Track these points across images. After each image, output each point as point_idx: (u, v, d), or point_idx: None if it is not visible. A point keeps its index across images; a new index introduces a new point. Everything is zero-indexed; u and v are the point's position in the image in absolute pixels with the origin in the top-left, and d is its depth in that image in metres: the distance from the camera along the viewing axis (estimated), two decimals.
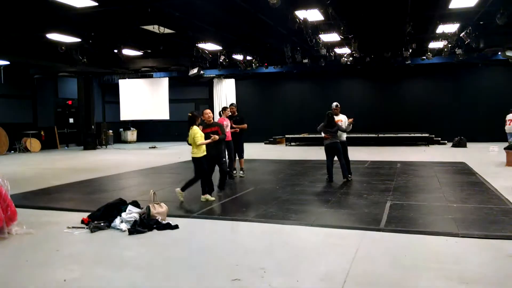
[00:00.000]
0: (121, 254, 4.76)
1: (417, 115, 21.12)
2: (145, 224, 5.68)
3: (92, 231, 5.61)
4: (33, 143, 20.18)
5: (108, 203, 6.16)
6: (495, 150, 14.95)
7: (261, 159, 14.91)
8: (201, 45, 14.47)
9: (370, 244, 5.00)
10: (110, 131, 24.75)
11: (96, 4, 9.08)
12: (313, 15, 10.51)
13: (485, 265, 4.24)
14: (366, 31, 13.64)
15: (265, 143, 22.88)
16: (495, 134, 19.27)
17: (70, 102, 23.18)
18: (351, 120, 9.54)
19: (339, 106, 9.75)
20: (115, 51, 13.98)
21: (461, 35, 12.54)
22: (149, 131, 26.47)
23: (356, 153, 15.40)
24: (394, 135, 19.89)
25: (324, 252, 4.73)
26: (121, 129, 26.73)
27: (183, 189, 7.60)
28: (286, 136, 21.90)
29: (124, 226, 5.64)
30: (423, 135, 19.46)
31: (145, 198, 6.93)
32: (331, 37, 13.43)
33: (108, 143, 23.72)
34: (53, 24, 11.27)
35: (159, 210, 6.01)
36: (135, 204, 6.16)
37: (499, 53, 15.90)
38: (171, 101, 22.79)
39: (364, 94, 22.42)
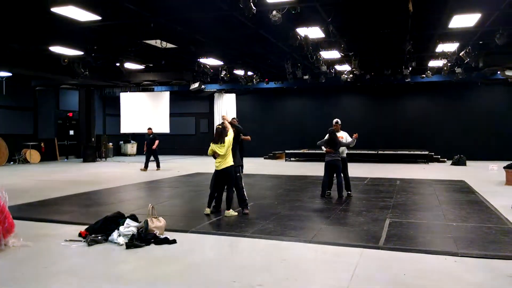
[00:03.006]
0: (118, 268, 4.73)
1: (417, 132, 21.19)
2: (143, 238, 5.65)
3: (89, 245, 5.58)
4: (33, 155, 20.20)
5: (106, 216, 6.14)
6: (495, 169, 14.94)
7: (260, 174, 14.89)
8: (202, 60, 14.58)
9: (368, 262, 4.97)
10: (110, 143, 24.78)
11: (100, 18, 9.17)
12: (314, 32, 10.63)
13: (483, 286, 4.21)
14: (367, 49, 13.78)
15: (265, 158, 22.90)
16: (494, 152, 19.33)
17: (71, 114, 23.26)
18: (356, 135, 9.54)
19: (339, 122, 9.80)
20: (117, 64, 14.07)
21: (460, 54, 12.65)
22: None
23: (356, 170, 15.41)
24: (394, 152, 19.90)
25: (322, 269, 4.70)
26: (121, 142, 26.77)
27: (228, 207, 7.58)
28: (286, 151, 21.92)
29: (122, 240, 5.61)
30: (423, 152, 19.47)
31: (143, 212, 6.92)
32: (332, 54, 13.55)
33: (108, 155, 23.73)
34: (57, 37, 11.39)
35: (157, 224, 5.98)
36: (133, 218, 6.14)
37: (498, 72, 16.01)
38: (171, 114, 22.87)
39: (364, 111, 22.52)
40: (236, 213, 7.49)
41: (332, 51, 13.04)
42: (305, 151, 21.15)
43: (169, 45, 12.07)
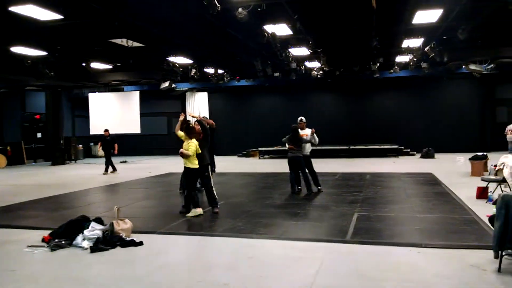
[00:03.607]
0: (81, 273, 4.61)
1: (387, 127, 21.54)
2: (108, 241, 5.54)
3: (52, 250, 5.43)
4: None
5: (70, 220, 5.98)
6: (461, 161, 15.35)
7: (233, 172, 14.86)
8: (171, 59, 14.42)
9: (335, 256, 5.01)
10: (80, 145, 24.24)
11: (61, 17, 8.91)
12: (281, 29, 10.64)
13: (446, 276, 4.30)
14: (334, 46, 13.90)
15: (239, 156, 22.85)
16: (461, 145, 19.86)
17: (38, 117, 22.62)
18: (313, 130, 9.62)
19: (304, 120, 9.87)
20: (83, 64, 13.76)
21: (425, 50, 12.92)
22: (121, 145, 25.99)
23: (327, 165, 15.58)
24: (365, 147, 20.19)
25: (289, 266, 4.71)
26: (91, 144, 26.21)
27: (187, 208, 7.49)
28: (259, 149, 21.94)
29: (86, 244, 5.48)
30: (393, 146, 19.83)
31: (112, 214, 6.77)
32: (301, 51, 13.63)
33: (77, 158, 23.21)
34: (18, 37, 11.02)
35: (123, 226, 5.87)
36: (99, 220, 6.01)
37: (463, 66, 16.43)
38: (143, 114, 22.55)
39: (336, 107, 22.76)
40: (199, 212, 7.35)
41: (301, 48, 13.11)
42: (278, 148, 21.17)
43: (136, 44, 11.86)
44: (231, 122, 24.10)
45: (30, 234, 6.32)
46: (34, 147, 22.47)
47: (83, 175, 15.56)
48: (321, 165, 15.34)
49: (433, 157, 18.33)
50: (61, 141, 21.31)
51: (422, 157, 18.62)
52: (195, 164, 7.42)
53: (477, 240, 5.40)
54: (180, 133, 7.64)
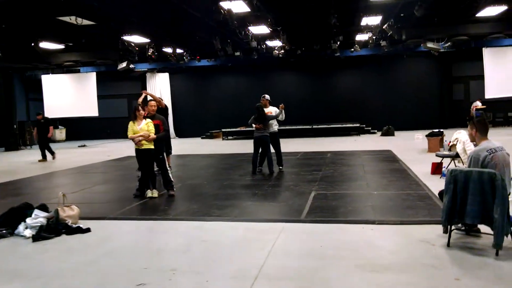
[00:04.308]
0: (19, 265, 4.33)
1: (349, 105, 21.74)
2: (53, 229, 5.25)
3: None
4: None
5: (11, 208, 5.63)
6: (420, 138, 15.66)
7: (194, 154, 14.62)
8: (126, 37, 13.86)
9: (289, 236, 4.94)
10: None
11: None
12: (238, 6, 10.35)
13: (397, 252, 4.30)
14: (293, 23, 13.73)
15: (202, 138, 22.56)
16: (420, 122, 20.30)
17: None
18: (282, 106, 9.47)
19: (267, 97, 9.71)
20: (32, 44, 13.02)
21: (383, 27, 12.95)
22: (79, 129, 25.22)
23: (290, 145, 15.57)
24: (328, 126, 20.33)
25: (241, 248, 4.60)
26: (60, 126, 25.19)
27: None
28: (223, 130, 21.71)
29: (29, 233, 5.18)
30: (355, 125, 20.06)
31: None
32: (260, 29, 13.38)
33: (33, 143, 22.26)
34: None
35: (69, 213, 5.58)
36: (43, 207, 5.70)
37: (421, 45, 16.64)
38: (101, 97, 21.81)
39: (298, 86, 22.72)
40: (155, 194, 7.20)
41: (260, 26, 12.86)
42: (242, 129, 21.00)
43: (86, 22, 11.27)
44: (194, 104, 23.73)
45: None
46: None
47: (36, 161, 14.89)
48: (284, 145, 15.12)
49: (393, 134, 18.67)
50: (14, 126, 20.34)
51: (382, 135, 18.93)
52: (151, 144, 7.17)
53: (429, 216, 5.45)
54: (134, 130, 7.23)
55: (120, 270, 4.06)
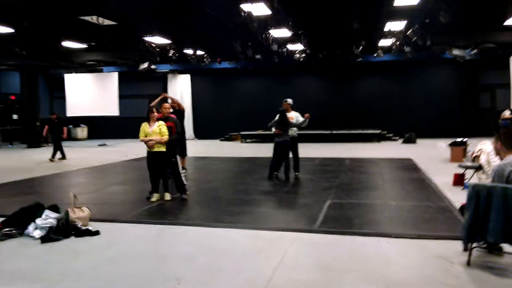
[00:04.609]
0: (23, 265, 4.28)
1: (370, 111, 21.35)
2: (62, 230, 5.21)
3: (0, 240, 5.08)
4: None
5: (22, 208, 5.62)
6: (442, 146, 15.22)
7: (212, 157, 14.54)
8: (148, 38, 13.89)
9: (300, 247, 4.77)
10: None
11: None
12: (259, 8, 10.21)
13: (413, 268, 4.09)
14: (315, 27, 13.51)
15: (221, 140, 22.51)
16: (443, 130, 19.78)
17: (13, 97, 21.91)
18: (307, 115, 9.27)
19: (289, 102, 9.50)
20: (55, 43, 13.18)
21: (408, 33, 12.62)
22: (101, 128, 25.49)
23: (308, 150, 15.31)
24: (348, 132, 20.00)
25: (249, 258, 4.45)
26: (71, 126, 25.57)
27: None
28: (241, 132, 21.62)
29: (38, 233, 5.15)
30: (376, 131, 19.67)
31: (80, 199, 6.41)
32: (282, 32, 13.22)
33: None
34: None
35: (79, 214, 5.53)
36: (54, 208, 5.66)
37: (447, 51, 16.20)
38: (123, 97, 21.97)
39: (319, 91, 22.44)
40: (168, 197, 7.13)
41: (281, 29, 12.70)
42: (260, 132, 20.87)
43: (108, 22, 11.31)
44: (214, 105, 23.71)
45: None
46: (10, 128, 21.80)
47: (55, 159, 15.05)
48: (302, 150, 14.91)
49: (414, 142, 18.23)
50: (37, 123, 20.68)
51: (404, 142, 18.51)
52: (163, 147, 7.11)
53: (449, 230, 5.19)
54: (146, 131, 7.18)
55: (124, 277, 3.96)
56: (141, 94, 25.03)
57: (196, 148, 18.54)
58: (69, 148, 19.75)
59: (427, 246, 4.68)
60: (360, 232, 5.22)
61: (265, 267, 4.13)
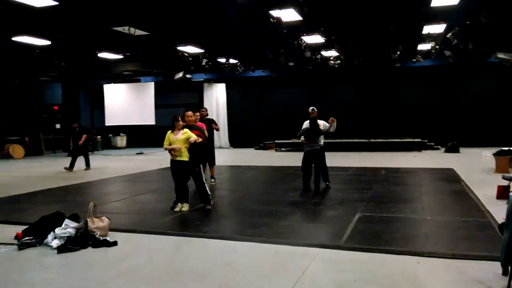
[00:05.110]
0: (33, 277, 4.21)
1: (410, 119, 20.52)
2: (79, 240, 5.14)
3: (20, 249, 5.08)
4: (16, 150, 19.72)
5: (43, 216, 5.63)
6: (487, 156, 14.33)
7: (244, 166, 14.36)
8: (181, 48, 13.97)
9: (322, 265, 4.45)
10: (99, 136, 24.27)
11: (57, 3, 8.57)
12: (288, 14, 9.98)
13: None
14: (348, 32, 13.10)
15: (255, 149, 22.34)
16: (489, 139, 18.71)
17: (56, 108, 22.71)
18: (332, 119, 8.97)
19: (315, 110, 9.26)
20: (91, 54, 13.50)
21: (447, 36, 11.98)
22: (139, 137, 25.99)
23: (343, 159, 14.89)
24: (386, 141, 19.29)
25: (265, 276, 4.17)
26: (111, 135, 26.24)
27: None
28: (276, 141, 21.37)
29: (56, 243, 5.10)
30: (416, 140, 18.87)
31: (110, 207, 6.43)
32: (314, 39, 12.93)
33: (95, 149, 23.25)
34: (18, 26, 10.77)
35: (98, 224, 5.46)
36: (74, 217, 5.63)
37: (491, 55, 15.31)
38: (159, 106, 22.31)
39: (355, 98, 21.84)
40: (186, 208, 7.02)
41: (314, 35, 12.41)
42: (295, 141, 20.53)
43: (139, 32, 11.44)
44: (249, 114, 23.60)
45: (9, 229, 5.99)
46: (53, 137, 22.58)
47: (94, 167, 15.34)
48: (337, 159, 14.70)
49: (458, 151, 17.30)
50: (93, 131, 21.28)
51: (446, 151, 17.62)
52: (186, 157, 6.99)
53: (488, 250, 4.71)
54: (170, 139, 7.10)
55: None
56: (177, 103, 25.31)
57: (230, 156, 18.48)
58: (107, 156, 20.28)
59: (463, 267, 4.24)
60: (388, 249, 4.83)
61: (282, 286, 3.85)
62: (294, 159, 16.00)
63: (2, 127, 19.90)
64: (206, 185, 7.19)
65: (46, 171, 14.02)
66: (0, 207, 8.05)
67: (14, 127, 20.59)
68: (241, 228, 5.95)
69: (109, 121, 22.46)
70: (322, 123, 9.19)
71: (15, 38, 11.29)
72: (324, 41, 13.15)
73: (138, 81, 22.10)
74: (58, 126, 22.92)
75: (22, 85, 20.62)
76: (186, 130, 7.05)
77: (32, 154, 20.79)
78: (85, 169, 13.90)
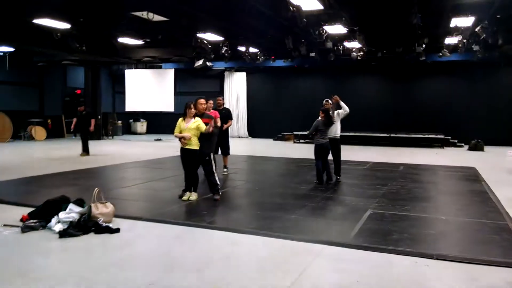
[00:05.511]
0: (32, 261, 4.18)
1: (434, 115, 19.93)
2: (82, 226, 5.10)
3: (23, 232, 5.08)
4: (38, 132, 20.04)
5: (48, 200, 5.61)
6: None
7: (260, 156, 14.21)
8: (200, 35, 13.82)
9: (324, 263, 4.28)
10: (120, 121, 24.50)
11: None
12: (309, 3, 9.70)
13: None
14: (371, 23, 12.69)
15: (274, 139, 22.15)
16: None
17: (79, 91, 22.99)
18: (336, 97, 8.91)
19: (329, 101, 9.07)
20: (112, 39, 13.50)
21: (476, 30, 11.47)
22: (159, 123, 26.12)
23: (361, 153, 14.61)
24: (407, 136, 18.81)
25: (264, 272, 4.03)
26: (131, 120, 26.47)
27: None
28: (294, 132, 21.12)
29: (59, 227, 5.07)
30: (438, 136, 18.33)
31: (123, 192, 6.41)
32: (336, 29, 12.56)
33: (115, 133, 23.49)
34: (39, 8, 10.81)
35: (102, 210, 5.41)
36: (78, 202, 5.60)
37: None
38: (180, 93, 22.31)
39: (378, 91, 21.35)
40: (194, 197, 6.91)
41: (336, 25, 12.06)
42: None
43: (158, 18, 11.34)
44: (269, 104, 23.39)
45: (16, 211, 6.00)
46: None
47: (112, 151, 15.49)
48: (355, 152, 14.42)
49: (482, 150, 16.72)
50: (99, 117, 21.51)
51: (470, 149, 17.07)
52: (196, 145, 6.88)
53: (505, 255, 4.46)
54: (181, 127, 6.99)
55: (126, 283, 3.71)
56: (197, 91, 25.26)
57: (247, 146, 18.35)
58: (126, 141, 20.48)
59: (475, 272, 4.01)
60: (396, 250, 4.62)
61: (279, 283, 3.70)
62: (312, 151, 15.77)
63: (26, 110, 20.24)
64: (215, 175, 7.07)
65: (64, 154, 14.19)
66: (14, 188, 8.16)
67: (38, 109, 20.94)
68: (247, 220, 5.83)
69: (129, 106, 22.61)
70: (336, 112, 9.02)
71: (36, 21, 11.34)
72: (346, 31, 12.78)
73: (160, 67, 22.11)
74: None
75: (46, 68, 20.91)
76: (197, 119, 6.94)
77: (54, 136, 21.14)
78: (81, 155, 13.43)
